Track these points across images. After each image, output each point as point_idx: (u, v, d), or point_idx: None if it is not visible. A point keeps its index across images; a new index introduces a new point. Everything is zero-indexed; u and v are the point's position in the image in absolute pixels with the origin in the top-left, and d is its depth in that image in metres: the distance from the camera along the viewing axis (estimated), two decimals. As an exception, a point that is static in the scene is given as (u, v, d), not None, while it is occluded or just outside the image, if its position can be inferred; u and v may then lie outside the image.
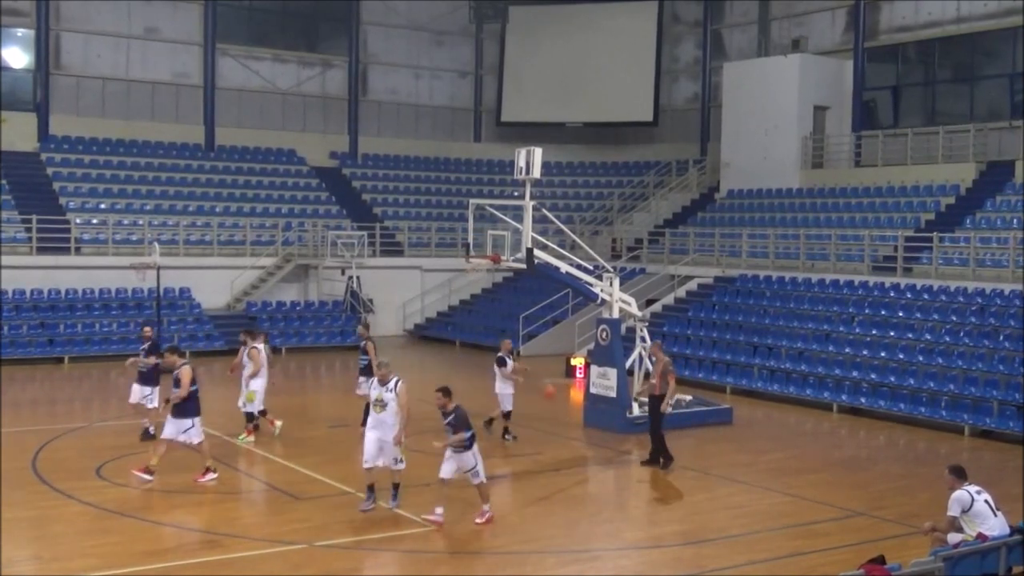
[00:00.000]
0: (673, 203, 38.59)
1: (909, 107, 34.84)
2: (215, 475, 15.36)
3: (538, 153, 19.46)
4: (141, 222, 33.25)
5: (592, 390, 20.64)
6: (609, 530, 14.09)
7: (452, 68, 43.43)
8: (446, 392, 13.42)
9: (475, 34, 43.38)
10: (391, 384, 13.77)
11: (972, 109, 32.66)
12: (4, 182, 32.55)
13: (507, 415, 19.22)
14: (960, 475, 11.03)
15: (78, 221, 32.49)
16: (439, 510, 13.30)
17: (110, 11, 36.56)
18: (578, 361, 26.96)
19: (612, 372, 20.11)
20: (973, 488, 10.88)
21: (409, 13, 41.79)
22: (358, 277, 33.24)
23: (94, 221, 32.87)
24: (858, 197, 32.14)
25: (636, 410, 19.72)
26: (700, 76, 40.85)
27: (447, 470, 13.35)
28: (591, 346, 23.24)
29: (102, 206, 33.63)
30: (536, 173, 19.53)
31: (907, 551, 11.44)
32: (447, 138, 43.34)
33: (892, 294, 25.97)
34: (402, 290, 35.91)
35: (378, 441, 13.64)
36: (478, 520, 13.46)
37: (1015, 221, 26.53)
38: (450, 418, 13.36)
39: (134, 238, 32.63)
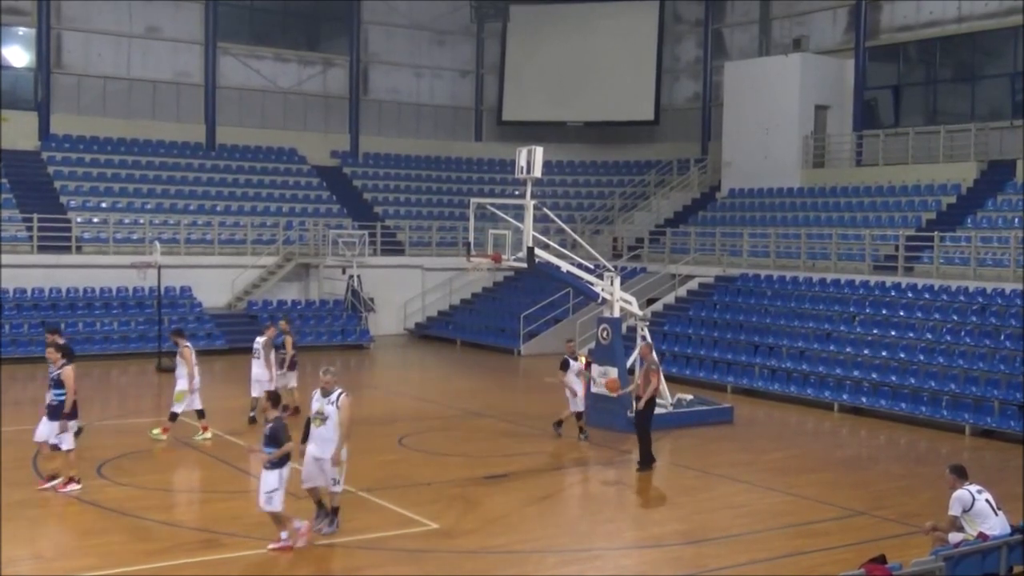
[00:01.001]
0: (674, 202, 38.59)
1: (910, 106, 34.84)
2: (79, 486, 14.58)
3: (539, 152, 19.45)
4: (142, 221, 33.26)
5: (593, 389, 20.61)
6: (610, 529, 14.08)
7: (453, 67, 43.42)
8: (270, 397, 12.48)
9: (476, 33, 43.36)
10: (334, 396, 12.59)
11: (973, 108, 32.65)
12: (5, 181, 32.55)
13: (579, 415, 19.27)
14: (961, 474, 11.03)
15: (79, 220, 32.49)
16: (301, 522, 12.28)
17: (111, 10, 36.55)
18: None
19: (613, 371, 20.10)
20: (974, 487, 10.88)
21: (410, 12, 41.77)
22: (359, 276, 33.24)
23: (95, 220, 32.87)
24: (859, 196, 32.13)
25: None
26: (701, 75, 40.83)
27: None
28: (592, 345, 23.24)
29: (103, 205, 33.64)
30: (537, 172, 19.52)
31: (908, 550, 11.44)
32: (448, 137, 43.34)
33: (893, 293, 25.96)
34: (403, 289, 35.90)
35: (316, 459, 12.57)
36: (272, 546, 12.07)
37: (1016, 220, 26.52)
38: (266, 427, 12.11)
39: (135, 237, 32.63)
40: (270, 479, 11.91)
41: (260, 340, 19.93)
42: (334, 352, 31.31)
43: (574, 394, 19.15)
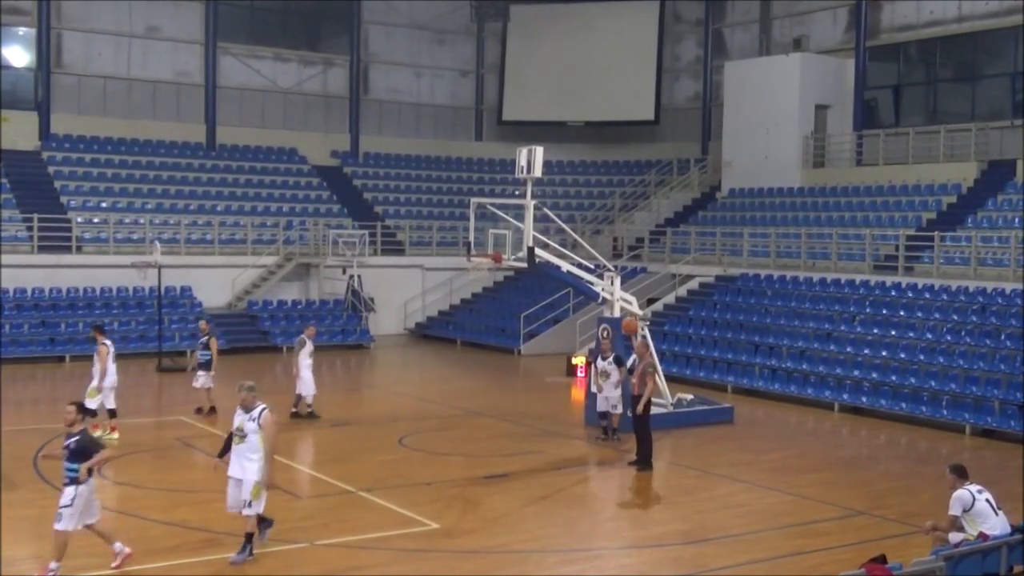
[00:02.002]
0: (674, 202, 38.59)
1: (910, 106, 34.84)
2: None
3: (539, 152, 19.44)
4: (142, 221, 33.27)
5: (593, 389, 20.58)
6: (610, 529, 14.09)
7: (453, 67, 43.42)
8: (80, 408, 11.33)
9: (476, 33, 43.37)
10: (255, 412, 11.78)
11: (973, 108, 32.64)
12: (5, 181, 32.55)
13: (602, 415, 19.28)
14: (961, 474, 11.02)
15: (79, 220, 32.50)
16: (53, 565, 11.01)
17: (111, 10, 36.56)
18: (579, 360, 26.95)
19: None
20: (974, 487, 10.87)
21: (410, 12, 41.78)
22: (359, 276, 33.25)
23: (95, 220, 32.88)
24: (859, 196, 32.13)
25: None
26: (701, 75, 40.83)
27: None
28: (592, 345, 23.23)
29: (103, 205, 33.64)
30: (537, 172, 19.51)
31: (908, 550, 11.43)
32: (448, 137, 43.34)
33: (893, 293, 25.96)
34: (403, 289, 35.91)
35: (237, 481, 11.82)
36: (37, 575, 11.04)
37: (1016, 220, 26.52)
38: (71, 440, 11.06)
39: (135, 237, 32.64)
40: (67, 495, 10.93)
41: (310, 342, 20.59)
42: (334, 352, 31.30)
43: (600, 390, 19.09)
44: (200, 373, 20.40)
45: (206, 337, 20.52)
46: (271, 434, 11.73)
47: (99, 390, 18.19)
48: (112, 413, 18.41)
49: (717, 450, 18.82)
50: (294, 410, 20.48)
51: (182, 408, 21.02)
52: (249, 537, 11.79)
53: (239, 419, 11.87)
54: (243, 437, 11.76)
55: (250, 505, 11.70)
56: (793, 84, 34.43)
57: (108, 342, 18.56)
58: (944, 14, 32.83)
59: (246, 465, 11.72)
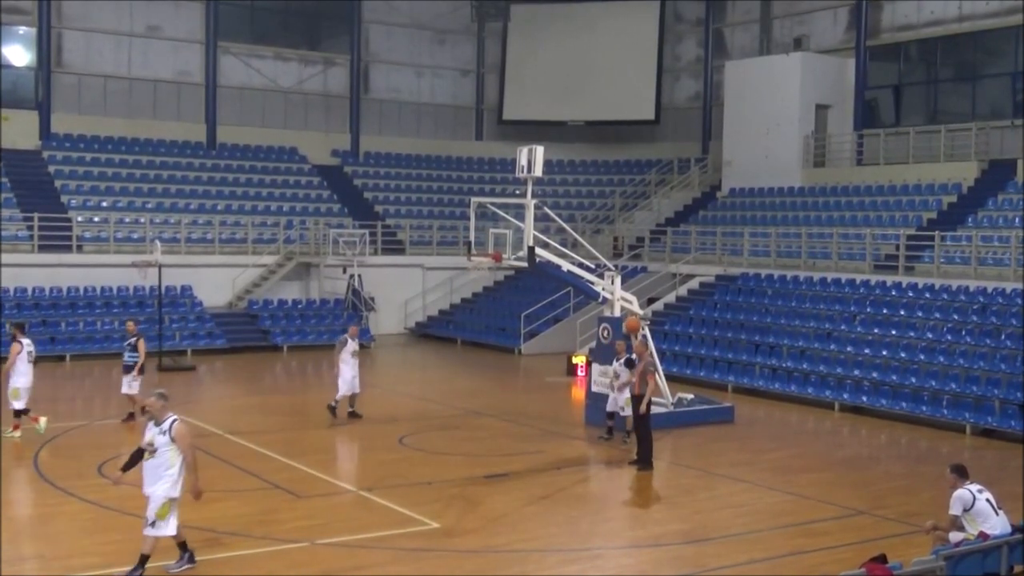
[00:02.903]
0: (675, 201, 38.59)
1: (911, 106, 34.83)
2: None
3: (540, 151, 19.43)
4: (143, 220, 33.27)
5: (594, 388, 20.61)
6: (611, 528, 14.08)
7: (454, 67, 43.43)
8: None
9: (477, 32, 43.38)
10: (166, 425, 10.87)
11: (974, 108, 32.65)
12: (6, 180, 32.55)
13: (610, 415, 19.19)
14: (962, 474, 11.01)
15: (80, 219, 32.50)
16: None
17: (112, 9, 36.57)
18: (579, 359, 26.96)
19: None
20: (975, 487, 10.86)
21: (411, 12, 41.78)
22: (360, 275, 33.24)
23: (96, 219, 32.88)
24: (860, 196, 32.13)
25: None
26: (702, 75, 40.84)
27: None
28: (592, 344, 23.24)
29: (104, 204, 33.65)
30: (538, 171, 19.48)
31: (909, 550, 11.43)
32: (449, 136, 43.35)
33: (894, 293, 25.95)
34: (404, 288, 35.91)
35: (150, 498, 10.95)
36: None
37: (1017, 220, 26.53)
38: None
39: (136, 236, 32.64)
40: None
41: (353, 342, 20.81)
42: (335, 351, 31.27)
43: (621, 390, 18.83)
44: (125, 377, 19.67)
45: (134, 338, 19.79)
46: (187, 444, 10.92)
47: (19, 391, 17.75)
48: (20, 412, 17.96)
49: (717, 450, 18.81)
50: (350, 410, 20.52)
51: (182, 408, 20.96)
52: (143, 560, 10.91)
53: (149, 433, 10.96)
54: (153, 452, 10.86)
55: (154, 524, 10.86)
56: (793, 84, 34.43)
57: (26, 341, 18.09)
58: (944, 14, 32.83)
59: (158, 483, 10.85)
